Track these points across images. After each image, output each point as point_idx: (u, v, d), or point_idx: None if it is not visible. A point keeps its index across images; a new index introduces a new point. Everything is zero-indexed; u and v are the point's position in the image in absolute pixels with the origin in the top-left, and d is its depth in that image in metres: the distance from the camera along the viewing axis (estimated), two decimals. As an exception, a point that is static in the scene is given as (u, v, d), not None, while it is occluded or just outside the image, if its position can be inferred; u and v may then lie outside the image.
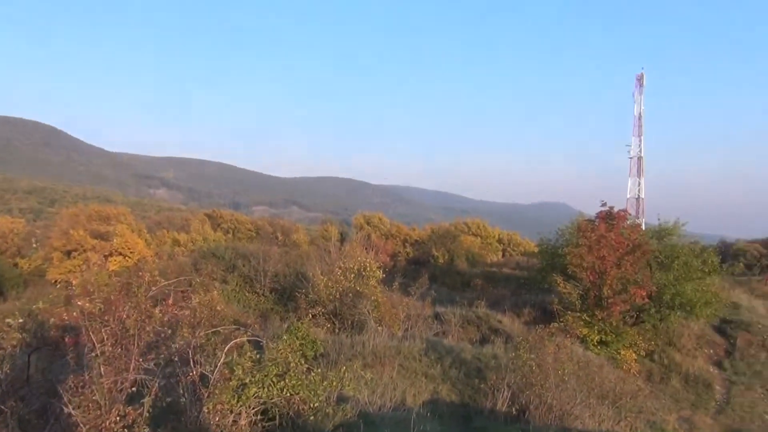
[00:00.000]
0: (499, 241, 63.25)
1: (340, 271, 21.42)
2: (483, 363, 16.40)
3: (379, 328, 19.10)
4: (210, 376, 8.13)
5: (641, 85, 65.53)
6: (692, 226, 41.29)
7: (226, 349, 8.44)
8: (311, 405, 8.30)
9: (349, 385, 8.60)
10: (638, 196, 66.06)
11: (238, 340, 8.95)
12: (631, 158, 65.99)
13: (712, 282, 27.20)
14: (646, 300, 23.20)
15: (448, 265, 46.02)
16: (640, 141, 65.45)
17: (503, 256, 58.93)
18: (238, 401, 8.00)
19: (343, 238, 55.85)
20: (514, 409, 13.06)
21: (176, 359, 8.09)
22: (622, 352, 23.07)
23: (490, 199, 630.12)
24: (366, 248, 26.23)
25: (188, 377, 8.09)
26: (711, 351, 27.24)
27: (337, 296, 20.91)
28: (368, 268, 21.67)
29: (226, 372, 8.16)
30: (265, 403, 8.28)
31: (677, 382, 24.20)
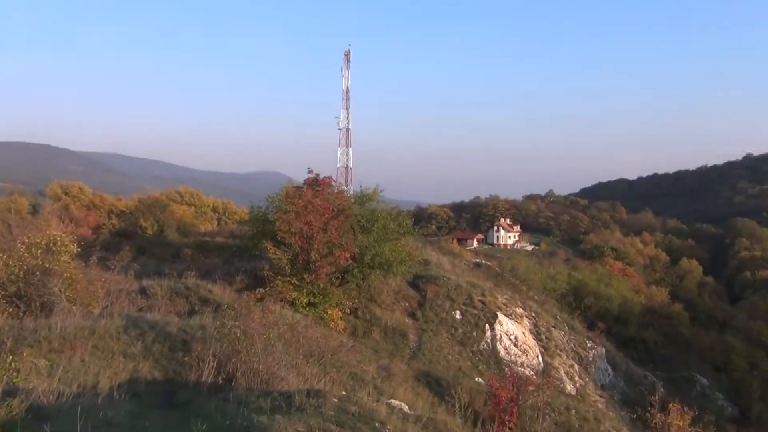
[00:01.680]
0: (214, 210, 62.13)
1: (24, 246, 18.82)
2: (189, 335, 15.82)
3: (73, 308, 17.30)
4: None
5: (348, 61, 69.24)
6: (392, 193, 45.11)
7: None
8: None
9: (18, 377, 7.50)
10: (347, 165, 69.98)
11: None
12: (340, 129, 69.55)
13: (407, 242, 30.10)
14: (350, 261, 24.68)
15: (157, 236, 43.76)
16: (348, 113, 69.29)
17: (218, 225, 58.08)
18: None
19: (36, 211, 49.49)
20: (220, 379, 12.82)
21: None
22: (329, 312, 24.31)
23: (209, 169, 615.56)
24: (63, 220, 23.51)
25: None
26: (406, 304, 30.20)
27: (21, 275, 18.37)
28: (59, 243, 19.39)
29: None
30: None
31: (378, 334, 26.38)
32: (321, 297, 24.13)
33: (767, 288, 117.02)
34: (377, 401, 11.13)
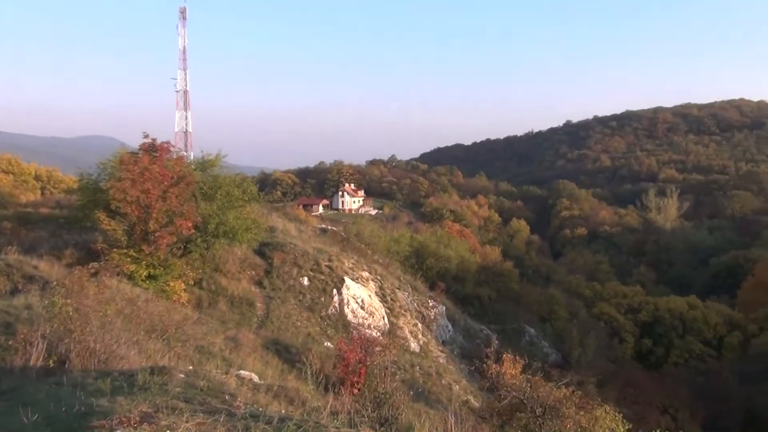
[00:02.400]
0: (37, 178, 56.91)
1: None
2: (13, 316, 14.44)
3: None
4: None
5: (184, 18, 65.79)
6: (235, 159, 43.89)
7: None
8: None
9: None
10: (186, 129, 67.01)
11: None
12: (177, 92, 66.20)
13: (252, 209, 29.47)
14: (193, 231, 23.71)
15: (-32, 209, 39.22)
16: (186, 74, 66.08)
17: (42, 194, 53.25)
18: None
19: None
20: (51, 362, 11.86)
21: None
22: (171, 284, 23.29)
23: (25, 132, 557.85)
24: None
25: None
26: (253, 272, 29.74)
27: None
28: None
29: None
30: None
31: (224, 304, 25.77)
32: (162, 269, 23.00)
33: (584, 244, 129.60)
34: (226, 373, 10.87)
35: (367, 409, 7.89)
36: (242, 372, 12.29)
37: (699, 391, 48.95)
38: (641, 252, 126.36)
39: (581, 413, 16.94)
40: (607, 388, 41.79)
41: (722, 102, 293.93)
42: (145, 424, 5.34)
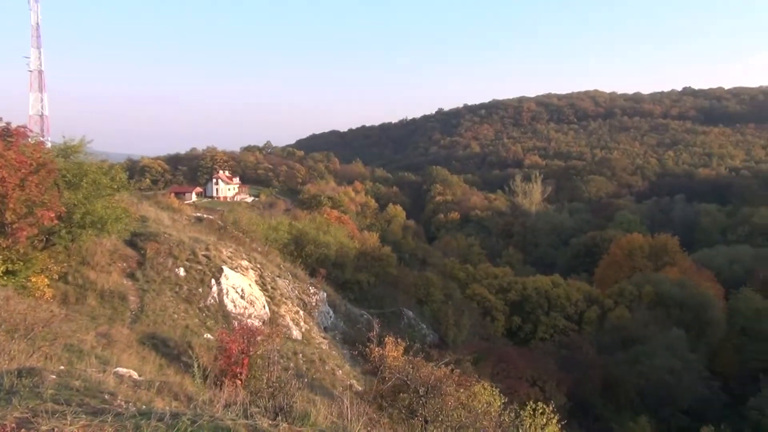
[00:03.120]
0: None
1: None
2: None
3: None
4: None
5: (37, -9, 60.69)
6: (101, 145, 41.32)
7: None
8: None
9: None
10: (42, 112, 62.18)
11: None
12: (31, 71, 61.15)
13: (122, 198, 27.94)
14: (56, 221, 22.10)
15: None
16: (40, 53, 61.08)
17: None
18: None
19: None
20: None
21: None
22: (33, 279, 21.63)
23: None
24: None
25: None
26: (124, 264, 28.25)
27: None
28: None
29: None
30: None
31: (93, 299, 24.30)
32: (22, 263, 21.28)
33: (457, 228, 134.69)
34: (103, 372, 10.29)
35: (262, 399, 7.77)
36: (120, 369, 11.70)
37: (563, 363, 52.60)
38: (509, 234, 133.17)
39: (461, 390, 17.69)
40: (482, 365, 43.87)
41: (579, 93, 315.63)
42: (23, 430, 4.94)
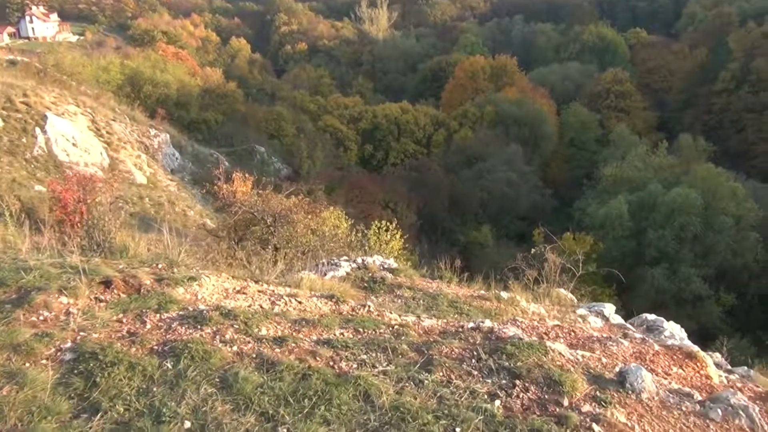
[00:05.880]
0: None
1: None
2: None
3: None
4: None
5: None
6: None
7: None
8: None
9: None
10: None
11: None
12: None
13: None
14: None
15: None
16: None
17: None
18: None
19: None
20: None
21: None
22: None
23: None
24: None
25: None
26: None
27: None
28: None
29: None
30: None
31: None
32: None
33: (306, 59, 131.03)
34: None
35: (76, 239, 7.49)
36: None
37: (414, 185, 55.58)
38: (358, 63, 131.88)
39: (310, 217, 18.20)
40: (336, 193, 45.27)
41: None
42: None
